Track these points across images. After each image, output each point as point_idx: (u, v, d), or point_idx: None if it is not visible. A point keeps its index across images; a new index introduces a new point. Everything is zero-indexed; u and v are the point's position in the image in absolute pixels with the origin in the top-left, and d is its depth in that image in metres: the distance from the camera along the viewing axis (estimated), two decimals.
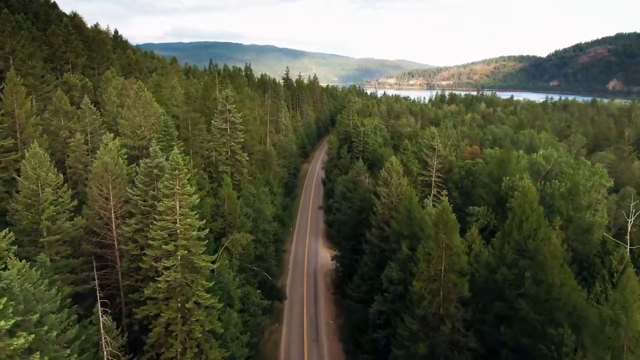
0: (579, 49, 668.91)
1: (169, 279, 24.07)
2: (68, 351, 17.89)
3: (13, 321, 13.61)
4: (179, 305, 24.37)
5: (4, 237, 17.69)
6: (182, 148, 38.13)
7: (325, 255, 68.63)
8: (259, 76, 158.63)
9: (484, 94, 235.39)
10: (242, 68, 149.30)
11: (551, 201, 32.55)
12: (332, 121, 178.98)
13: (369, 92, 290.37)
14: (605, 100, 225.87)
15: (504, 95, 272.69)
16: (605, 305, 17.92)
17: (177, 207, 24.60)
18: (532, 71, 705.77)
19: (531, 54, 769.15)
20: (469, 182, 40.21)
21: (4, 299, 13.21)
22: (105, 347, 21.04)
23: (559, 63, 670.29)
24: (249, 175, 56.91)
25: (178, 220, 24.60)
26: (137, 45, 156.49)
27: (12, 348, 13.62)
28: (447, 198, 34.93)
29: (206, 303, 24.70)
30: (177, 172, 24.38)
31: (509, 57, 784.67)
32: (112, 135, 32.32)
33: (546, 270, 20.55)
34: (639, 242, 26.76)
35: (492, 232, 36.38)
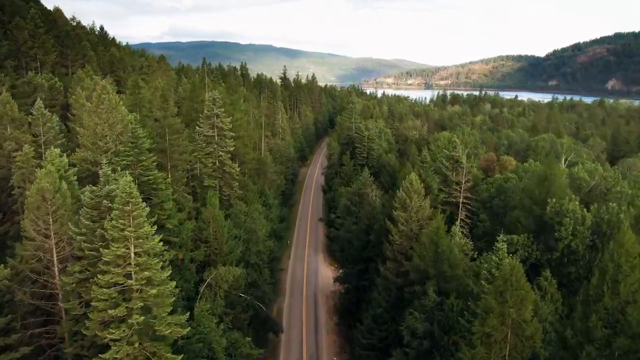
0: (577, 48, 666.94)
1: (118, 355, 17.30)
2: None
3: None
4: None
5: None
6: (155, 163, 31.30)
7: (326, 274, 61.96)
8: (255, 76, 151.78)
9: (487, 93, 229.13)
10: (238, 67, 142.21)
11: (611, 230, 26.05)
12: (331, 122, 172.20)
13: (368, 91, 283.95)
14: (610, 100, 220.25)
15: (504, 95, 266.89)
16: None
17: (132, 256, 17.83)
18: (531, 71, 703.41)
19: (529, 53, 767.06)
20: (500, 201, 33.70)
21: None
22: None
23: (557, 63, 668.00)
24: (240, 188, 50.13)
25: (133, 273, 17.84)
26: (135, 45, 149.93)
27: None
28: (469, 220, 28.47)
29: None
30: (130, 207, 17.58)
31: (507, 57, 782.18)
32: (57, 150, 25.42)
33: None
34: None
35: (533, 266, 29.83)
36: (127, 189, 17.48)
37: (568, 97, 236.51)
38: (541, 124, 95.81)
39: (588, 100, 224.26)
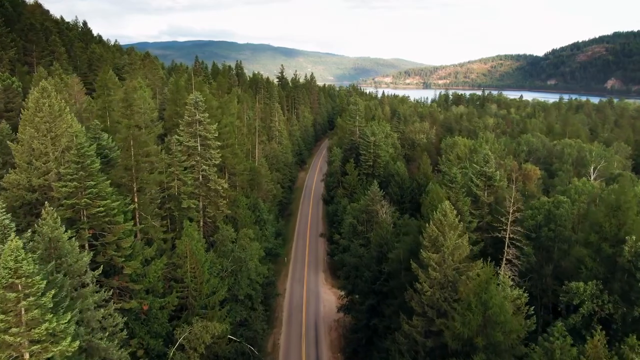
0: (576, 47, 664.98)
1: None
2: None
3: None
4: None
5: None
6: (112, 187, 24.14)
7: (328, 298, 54.87)
8: (251, 75, 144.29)
9: (492, 93, 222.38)
10: (233, 66, 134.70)
11: None
12: (330, 123, 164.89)
13: (367, 91, 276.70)
14: (616, 100, 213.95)
15: (506, 94, 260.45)
16: None
17: None
18: (529, 70, 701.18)
19: (528, 52, 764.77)
20: (549, 232, 26.66)
21: None
22: None
23: (556, 62, 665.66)
24: (230, 205, 42.96)
25: None
26: (132, 45, 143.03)
27: None
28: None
29: None
30: (18, 293, 10.39)
31: (506, 56, 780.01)
32: None
33: None
34: None
35: (604, 321, 22.89)
36: (11, 261, 10.25)
37: (570, 97, 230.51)
38: (557, 126, 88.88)
39: (588, 99, 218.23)
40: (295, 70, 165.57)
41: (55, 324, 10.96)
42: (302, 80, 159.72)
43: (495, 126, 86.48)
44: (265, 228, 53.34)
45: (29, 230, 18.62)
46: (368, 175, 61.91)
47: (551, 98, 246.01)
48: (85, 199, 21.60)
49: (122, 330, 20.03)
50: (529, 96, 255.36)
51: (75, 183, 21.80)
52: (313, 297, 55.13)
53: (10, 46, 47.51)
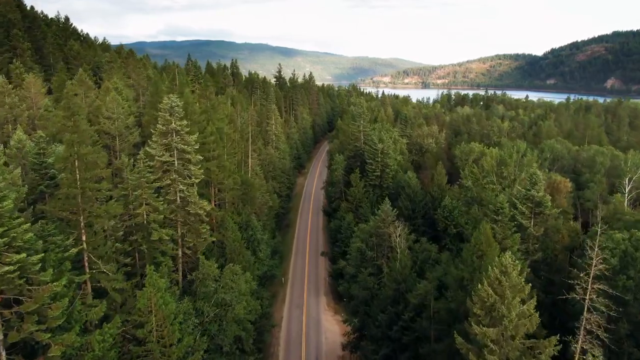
0: (575, 47, 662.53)
1: None
2: None
3: None
4: None
5: None
6: (42, 225, 17.44)
7: (331, 328, 48.20)
8: (247, 74, 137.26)
9: (495, 92, 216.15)
10: (228, 65, 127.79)
11: None
12: (329, 124, 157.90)
13: (367, 91, 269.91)
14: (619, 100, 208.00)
15: (509, 94, 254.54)
16: None
17: None
18: (529, 69, 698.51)
19: (527, 52, 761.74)
20: (628, 280, 19.95)
21: None
22: None
23: (555, 61, 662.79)
24: (216, 229, 36.19)
25: None
26: (129, 44, 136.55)
27: None
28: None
29: None
30: None
31: (505, 56, 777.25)
32: None
33: None
34: None
35: None
36: None
37: (576, 97, 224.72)
38: (576, 131, 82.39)
39: (596, 99, 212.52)
40: (294, 70, 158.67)
41: None
42: (300, 80, 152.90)
43: (511, 130, 79.73)
44: (260, 250, 46.58)
45: None
46: (375, 187, 55.15)
47: (552, 98, 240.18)
48: None
49: None
50: (530, 96, 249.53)
51: None
52: (314, 326, 48.46)
53: None
